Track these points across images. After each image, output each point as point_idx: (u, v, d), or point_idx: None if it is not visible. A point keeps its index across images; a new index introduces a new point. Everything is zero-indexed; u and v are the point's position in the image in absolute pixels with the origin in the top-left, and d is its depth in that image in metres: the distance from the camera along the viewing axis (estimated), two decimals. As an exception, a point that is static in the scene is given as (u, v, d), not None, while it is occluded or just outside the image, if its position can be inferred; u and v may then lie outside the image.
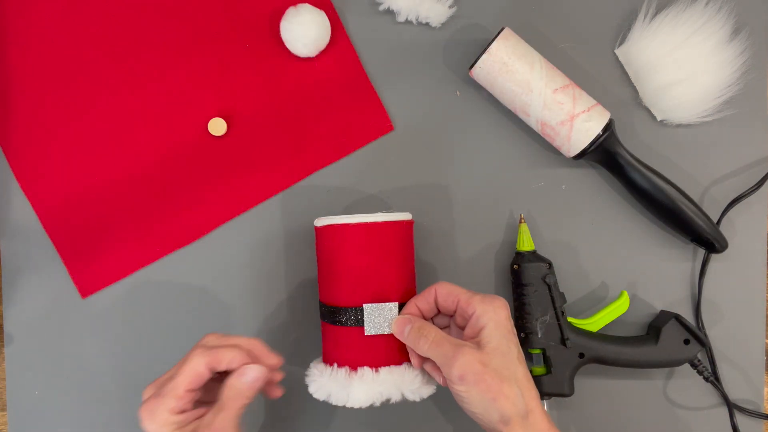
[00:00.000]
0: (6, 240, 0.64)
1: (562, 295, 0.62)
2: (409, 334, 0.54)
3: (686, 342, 0.61)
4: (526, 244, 0.63)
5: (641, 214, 0.66)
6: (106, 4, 0.64)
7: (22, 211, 0.64)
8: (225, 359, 0.51)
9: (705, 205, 0.65)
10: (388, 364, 0.56)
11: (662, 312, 0.65)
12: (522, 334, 0.61)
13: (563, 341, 0.60)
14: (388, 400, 0.55)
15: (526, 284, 0.61)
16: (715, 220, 0.64)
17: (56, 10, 0.64)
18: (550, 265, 0.62)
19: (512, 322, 0.53)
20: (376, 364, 0.55)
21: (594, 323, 0.62)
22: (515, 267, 0.62)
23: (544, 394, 0.61)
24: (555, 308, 0.61)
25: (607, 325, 0.63)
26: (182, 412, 0.50)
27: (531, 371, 0.62)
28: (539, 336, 0.61)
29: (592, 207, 0.66)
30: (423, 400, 0.57)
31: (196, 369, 0.50)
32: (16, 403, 0.64)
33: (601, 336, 0.62)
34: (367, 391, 0.54)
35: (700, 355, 0.65)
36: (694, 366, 0.62)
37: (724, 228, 0.65)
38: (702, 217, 0.62)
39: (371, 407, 0.55)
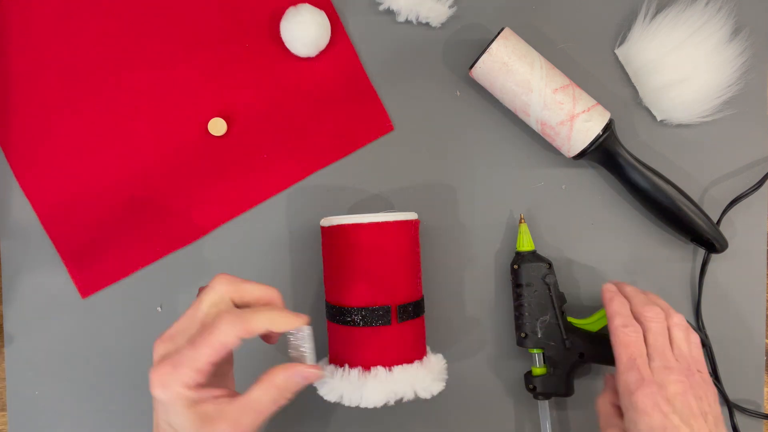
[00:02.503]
0: (6, 240, 0.64)
1: (561, 295, 0.62)
2: None
3: None
4: (526, 244, 0.63)
5: (641, 214, 0.66)
6: (106, 4, 0.64)
7: (22, 211, 0.64)
8: (258, 329, 0.43)
9: (705, 205, 0.65)
10: (401, 363, 0.56)
11: None
12: (522, 334, 0.61)
13: (563, 341, 0.60)
14: (400, 399, 0.55)
15: (526, 284, 0.61)
16: (715, 220, 0.64)
17: (56, 10, 0.64)
18: (550, 265, 0.62)
19: None
20: (389, 363, 0.55)
21: (594, 323, 0.62)
22: (515, 267, 0.62)
23: (543, 394, 0.61)
24: (555, 308, 0.61)
25: (607, 326, 0.63)
26: (198, 386, 0.43)
27: (531, 371, 0.62)
28: (539, 336, 0.61)
29: (592, 207, 0.66)
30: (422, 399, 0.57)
31: (223, 341, 0.42)
32: (16, 403, 0.64)
33: (601, 336, 0.62)
34: (381, 390, 0.54)
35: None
36: None
37: (724, 228, 0.65)
38: (702, 216, 0.62)
39: (384, 407, 0.55)
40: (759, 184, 0.65)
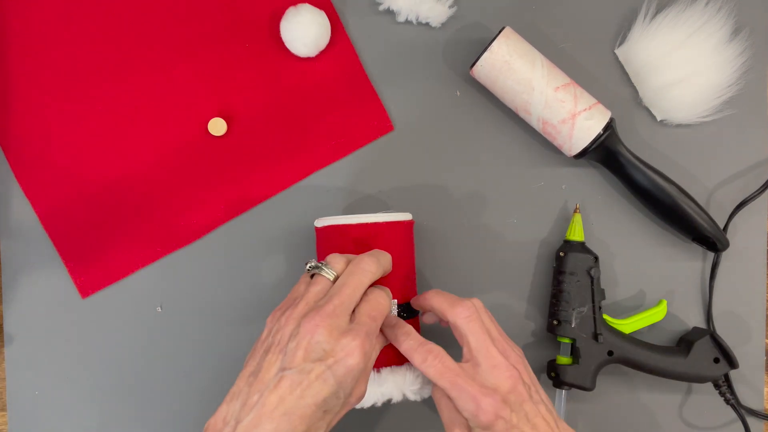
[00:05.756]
0: (6, 240, 0.64)
1: (602, 291, 0.62)
2: None
3: (716, 360, 0.61)
4: (576, 233, 0.63)
5: (642, 214, 0.66)
6: (106, 4, 0.64)
7: (22, 211, 0.64)
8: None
9: (705, 204, 0.65)
10: (390, 365, 0.55)
11: (695, 328, 0.65)
12: (555, 321, 0.61)
13: (595, 336, 0.60)
14: (389, 401, 0.55)
15: (569, 273, 0.61)
16: (721, 226, 0.64)
17: (56, 10, 0.64)
18: (596, 258, 0.62)
19: None
20: (377, 365, 0.55)
21: (628, 325, 0.62)
22: (561, 254, 0.62)
23: (565, 384, 0.61)
24: (594, 302, 0.61)
25: (638, 330, 0.64)
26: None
27: (555, 359, 0.62)
28: (573, 326, 0.61)
29: (592, 207, 0.66)
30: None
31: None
32: (16, 403, 0.64)
33: (632, 339, 0.62)
34: (368, 392, 0.54)
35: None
36: (717, 386, 0.63)
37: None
38: (703, 216, 0.62)
39: (371, 408, 0.55)
40: (763, 188, 0.64)
